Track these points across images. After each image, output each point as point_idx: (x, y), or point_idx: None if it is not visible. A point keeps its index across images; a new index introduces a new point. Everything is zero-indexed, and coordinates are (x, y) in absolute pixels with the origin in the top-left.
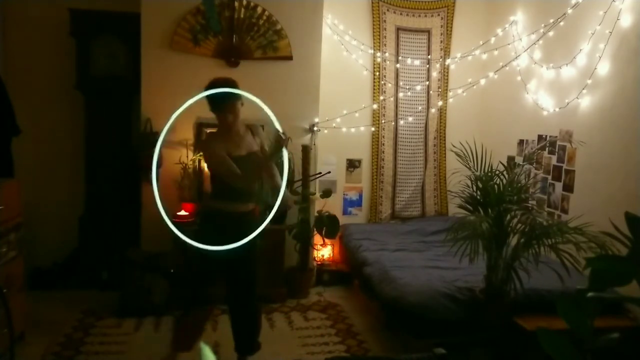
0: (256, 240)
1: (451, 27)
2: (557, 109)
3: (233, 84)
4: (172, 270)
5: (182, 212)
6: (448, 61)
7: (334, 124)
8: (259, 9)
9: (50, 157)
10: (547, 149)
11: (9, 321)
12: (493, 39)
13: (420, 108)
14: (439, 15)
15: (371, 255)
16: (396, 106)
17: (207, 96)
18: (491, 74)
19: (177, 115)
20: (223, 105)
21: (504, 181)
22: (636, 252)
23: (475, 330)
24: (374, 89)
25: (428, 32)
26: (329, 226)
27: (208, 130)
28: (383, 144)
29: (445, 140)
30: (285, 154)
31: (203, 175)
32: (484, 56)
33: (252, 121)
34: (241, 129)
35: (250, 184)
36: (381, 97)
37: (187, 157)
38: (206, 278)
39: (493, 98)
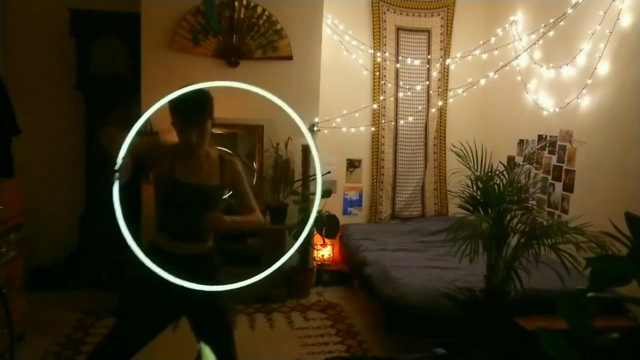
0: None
1: (451, 27)
2: (557, 109)
3: (205, 98)
4: None
5: None
6: (448, 61)
7: (334, 124)
8: (259, 9)
9: (50, 157)
10: (547, 149)
11: (9, 321)
12: (493, 39)
13: (420, 108)
14: (439, 15)
15: (371, 255)
16: (396, 106)
17: (171, 104)
18: (491, 74)
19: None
20: (188, 119)
21: (504, 181)
22: (636, 252)
23: (475, 330)
24: (374, 89)
25: (428, 32)
26: (329, 226)
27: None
28: (383, 144)
29: (445, 140)
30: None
31: None
32: (484, 56)
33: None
34: (203, 155)
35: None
36: (381, 97)
37: None
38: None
39: (493, 98)
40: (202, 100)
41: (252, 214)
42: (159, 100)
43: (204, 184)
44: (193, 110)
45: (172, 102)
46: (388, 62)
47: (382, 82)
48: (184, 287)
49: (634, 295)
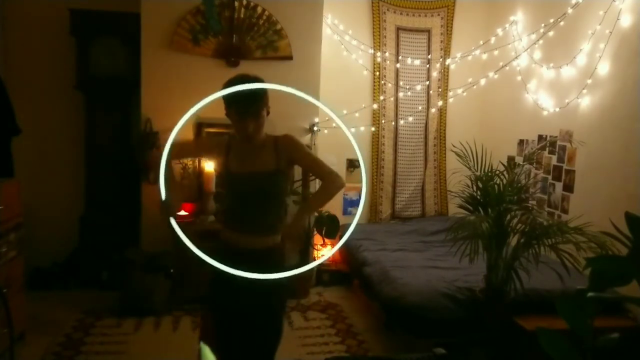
0: (283, 285)
1: (451, 27)
2: (557, 109)
3: (260, 88)
4: (171, 270)
5: (182, 212)
6: (448, 61)
7: (334, 124)
8: (259, 9)
9: (50, 157)
10: (547, 149)
11: (9, 321)
12: (493, 39)
13: (420, 108)
14: (439, 15)
15: (371, 255)
16: (396, 106)
17: (225, 97)
18: (491, 74)
19: (187, 117)
20: (244, 109)
21: (504, 181)
22: (636, 252)
23: (475, 330)
24: (374, 89)
25: (428, 32)
26: (329, 226)
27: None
28: (383, 144)
29: (445, 140)
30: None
31: (203, 175)
32: (484, 56)
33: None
34: (259, 142)
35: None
36: (381, 97)
37: None
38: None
39: (493, 98)
40: (257, 89)
41: (326, 181)
42: (159, 100)
43: (259, 170)
44: (249, 100)
45: (224, 97)
46: (388, 62)
47: (382, 82)
48: (245, 280)
49: (634, 295)
